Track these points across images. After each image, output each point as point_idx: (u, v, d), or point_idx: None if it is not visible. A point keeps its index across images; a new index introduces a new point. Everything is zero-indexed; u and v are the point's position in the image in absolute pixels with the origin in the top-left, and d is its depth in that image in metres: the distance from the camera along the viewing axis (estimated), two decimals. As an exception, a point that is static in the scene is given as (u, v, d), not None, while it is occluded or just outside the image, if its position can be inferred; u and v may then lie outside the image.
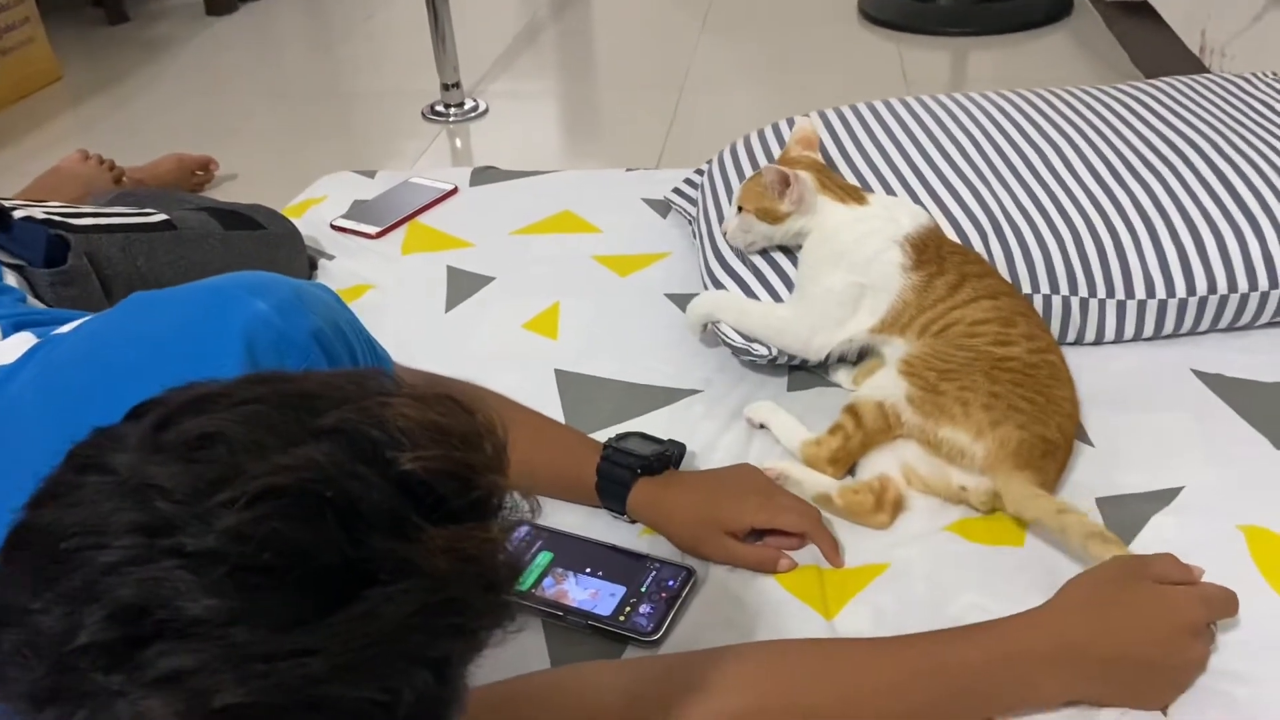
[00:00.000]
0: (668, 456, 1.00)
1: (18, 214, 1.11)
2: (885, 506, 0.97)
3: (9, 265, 1.06)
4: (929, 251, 1.08)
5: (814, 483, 0.99)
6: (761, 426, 1.09)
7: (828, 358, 1.13)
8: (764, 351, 1.13)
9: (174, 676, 0.42)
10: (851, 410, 1.01)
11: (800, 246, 1.15)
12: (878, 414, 1.00)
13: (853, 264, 1.08)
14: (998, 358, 1.00)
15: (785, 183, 1.10)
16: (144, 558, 0.43)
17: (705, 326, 1.18)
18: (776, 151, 1.32)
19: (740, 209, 1.15)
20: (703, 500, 0.96)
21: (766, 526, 0.95)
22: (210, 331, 0.66)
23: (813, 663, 0.78)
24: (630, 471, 0.97)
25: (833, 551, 0.94)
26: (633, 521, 0.99)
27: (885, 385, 1.02)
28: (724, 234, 1.20)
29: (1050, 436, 0.97)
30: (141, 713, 0.42)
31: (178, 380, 0.53)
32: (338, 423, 0.47)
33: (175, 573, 0.43)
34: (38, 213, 1.15)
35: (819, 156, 1.19)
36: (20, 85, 2.44)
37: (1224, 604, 0.83)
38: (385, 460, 0.47)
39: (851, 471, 1.03)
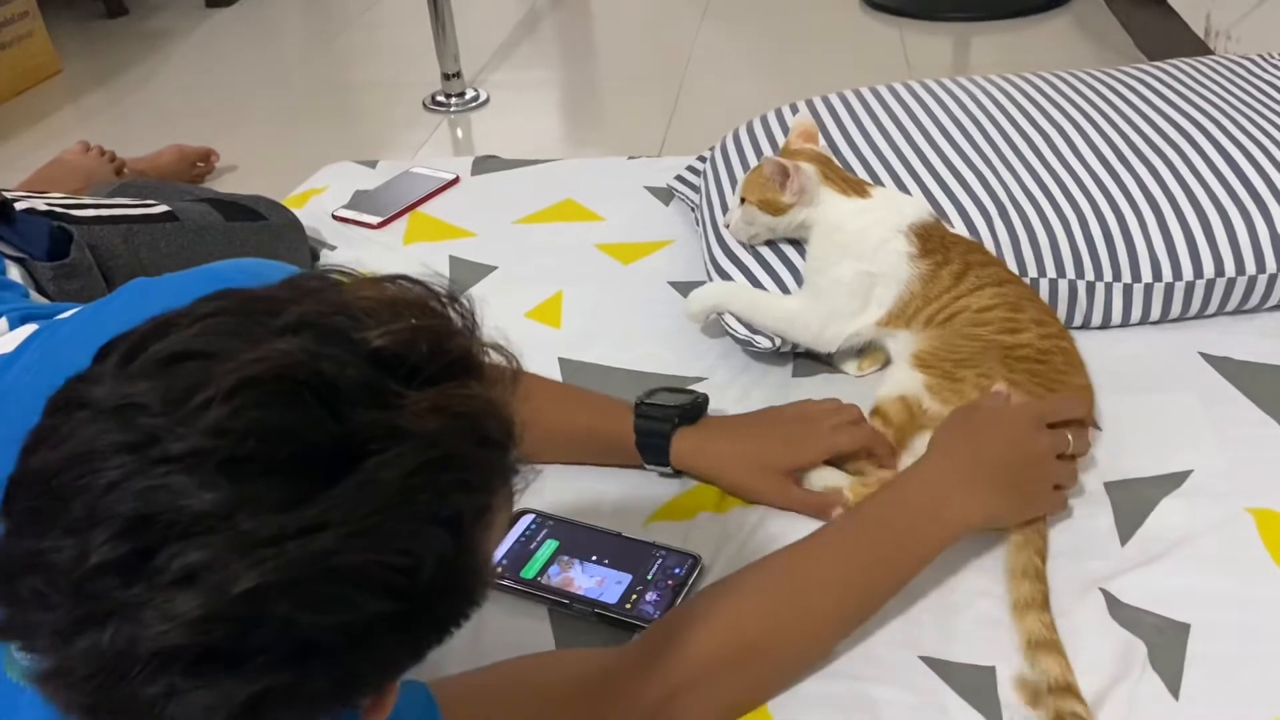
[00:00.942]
0: (699, 404, 1.01)
1: (20, 206, 1.11)
2: (889, 463, 0.98)
3: (11, 258, 1.06)
4: (934, 241, 1.07)
5: (821, 477, 0.99)
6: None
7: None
8: (766, 344, 1.13)
9: (190, 574, 0.43)
10: (877, 412, 1.01)
11: (803, 240, 1.14)
12: (901, 408, 0.99)
13: (860, 253, 1.08)
14: (1008, 345, 1.00)
15: (785, 174, 1.09)
16: (137, 471, 0.44)
17: (708, 316, 1.18)
18: (779, 138, 1.31)
19: (743, 201, 1.15)
20: (754, 447, 0.97)
21: (828, 457, 0.97)
22: None
23: (772, 595, 0.81)
24: (668, 423, 0.98)
25: (890, 456, 0.97)
26: (678, 474, 1.00)
27: (902, 380, 1.01)
28: (726, 226, 1.19)
29: None
30: (165, 615, 0.43)
31: None
32: (300, 316, 0.48)
33: (169, 478, 0.44)
34: (40, 204, 1.14)
35: (821, 148, 1.18)
36: (20, 79, 2.44)
37: (1059, 405, 0.94)
38: (353, 341, 0.48)
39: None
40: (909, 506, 0.85)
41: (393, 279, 0.53)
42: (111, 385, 0.47)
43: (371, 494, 0.45)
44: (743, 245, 1.20)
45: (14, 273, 1.05)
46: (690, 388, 1.03)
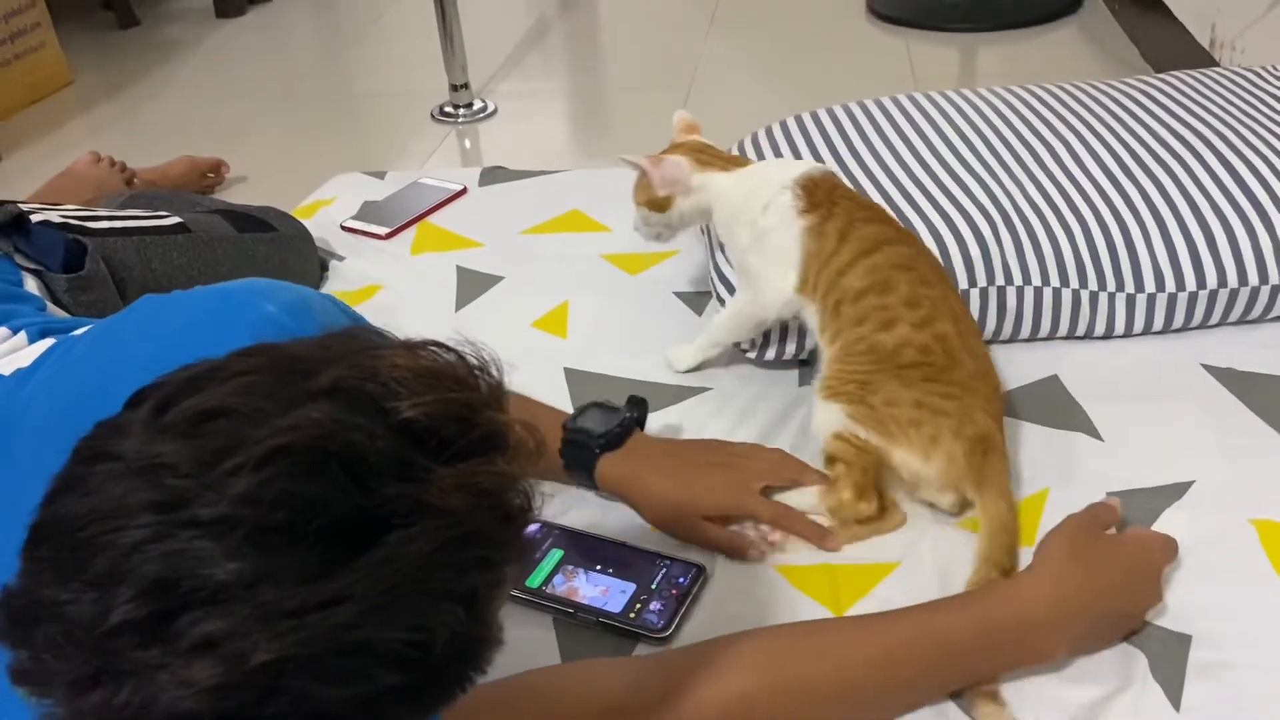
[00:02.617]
0: (626, 427, 1.00)
1: (35, 218, 1.12)
2: (866, 495, 0.96)
3: (28, 270, 1.07)
4: (819, 194, 1.07)
5: (798, 498, 0.99)
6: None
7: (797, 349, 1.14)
8: (771, 355, 1.14)
9: (209, 642, 0.43)
10: (830, 460, 0.99)
11: (716, 231, 1.15)
12: (845, 446, 0.97)
13: (752, 217, 1.08)
14: (891, 350, 0.98)
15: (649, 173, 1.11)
16: (163, 533, 0.44)
17: (700, 364, 1.20)
18: (785, 149, 1.32)
19: (637, 204, 1.16)
20: (675, 484, 0.96)
21: (736, 514, 0.96)
22: (219, 332, 0.67)
23: (813, 640, 0.80)
24: (590, 452, 0.98)
25: (823, 538, 0.94)
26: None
27: (825, 419, 1.00)
28: (635, 229, 1.20)
29: (982, 430, 0.95)
30: (183, 680, 0.43)
31: None
32: (332, 381, 0.48)
33: (195, 543, 0.44)
34: (55, 216, 1.16)
35: (701, 138, 1.17)
36: (32, 89, 2.46)
37: (1173, 548, 0.89)
38: (384, 410, 0.48)
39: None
40: (992, 625, 0.80)
41: (426, 344, 0.53)
42: (141, 439, 0.47)
43: (393, 570, 0.45)
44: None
45: (30, 284, 1.07)
46: (631, 395, 1.04)
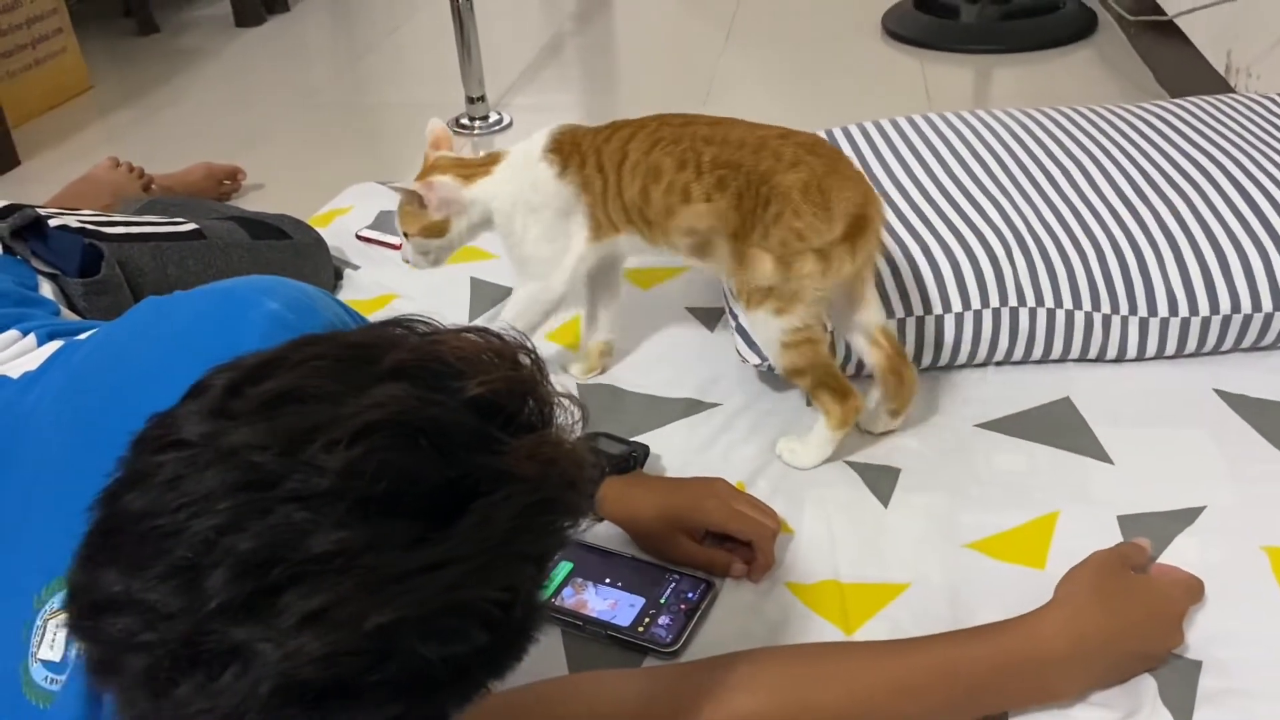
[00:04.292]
0: (634, 457, 1.04)
1: (53, 223, 1.13)
2: (847, 390, 1.04)
3: (44, 274, 1.08)
4: (566, 148, 1.10)
5: (810, 440, 1.05)
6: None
7: None
8: (756, 361, 1.14)
9: (319, 613, 0.45)
10: (793, 371, 1.04)
11: (497, 233, 1.16)
12: (796, 350, 1.02)
13: (527, 203, 1.10)
14: (712, 213, 1.01)
15: (420, 200, 1.11)
16: (256, 511, 0.46)
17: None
18: (799, 167, 1.33)
19: (407, 235, 1.16)
20: (664, 502, 0.97)
21: (719, 530, 0.96)
22: (224, 331, 0.68)
23: (826, 664, 0.79)
24: (600, 471, 0.98)
25: (760, 570, 0.94)
26: (599, 519, 0.99)
27: (764, 334, 1.04)
28: (405, 261, 1.19)
29: (847, 209, 0.99)
30: (291, 653, 0.45)
31: (194, 379, 0.55)
32: (398, 364, 0.51)
33: (296, 516, 0.45)
34: (72, 221, 1.17)
35: (453, 151, 1.18)
36: (52, 94, 2.47)
37: (1198, 590, 0.88)
38: (452, 389, 0.50)
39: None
40: (1008, 660, 0.79)
41: (472, 329, 0.55)
42: (213, 426, 0.48)
43: (485, 534, 0.48)
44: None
45: (46, 289, 1.07)
46: (636, 440, 1.07)
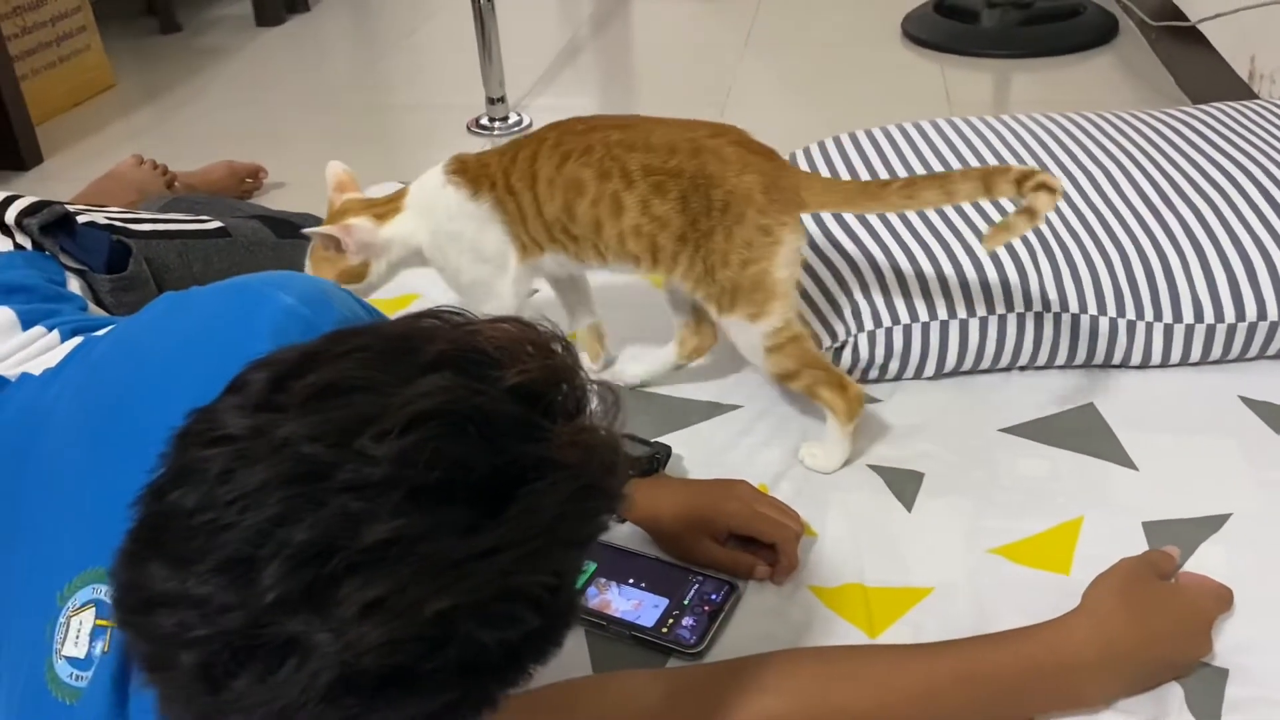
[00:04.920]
0: (657, 459, 1.03)
1: (81, 219, 1.14)
2: (839, 379, 1.04)
3: (72, 270, 1.09)
4: (470, 170, 1.09)
5: (824, 443, 1.06)
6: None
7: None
8: None
9: (378, 602, 0.45)
10: (784, 376, 1.05)
11: (434, 267, 1.14)
12: (782, 354, 1.03)
13: (451, 232, 1.09)
14: (651, 220, 1.01)
15: (337, 244, 1.09)
16: (311, 502, 0.46)
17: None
18: (822, 169, 1.33)
19: None
20: (687, 503, 0.97)
21: (743, 533, 0.95)
22: (239, 325, 0.68)
23: (852, 667, 0.79)
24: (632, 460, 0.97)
25: (784, 572, 0.94)
26: (623, 520, 0.99)
27: (745, 339, 1.04)
28: None
29: (778, 184, 1.00)
30: (352, 642, 0.45)
31: (212, 374, 0.56)
32: (439, 355, 0.51)
33: (352, 506, 0.45)
34: (100, 218, 1.17)
35: (359, 193, 1.16)
36: (75, 92, 2.49)
37: (1227, 599, 0.87)
38: (493, 378, 0.51)
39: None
40: (1035, 666, 0.79)
41: (505, 319, 0.56)
42: (259, 418, 0.49)
43: (534, 520, 0.48)
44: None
45: (74, 285, 1.08)
46: (658, 440, 1.07)
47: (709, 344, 1.16)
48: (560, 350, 0.55)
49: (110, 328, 0.77)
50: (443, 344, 0.52)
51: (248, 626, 0.45)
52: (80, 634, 0.63)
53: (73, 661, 0.63)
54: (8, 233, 1.09)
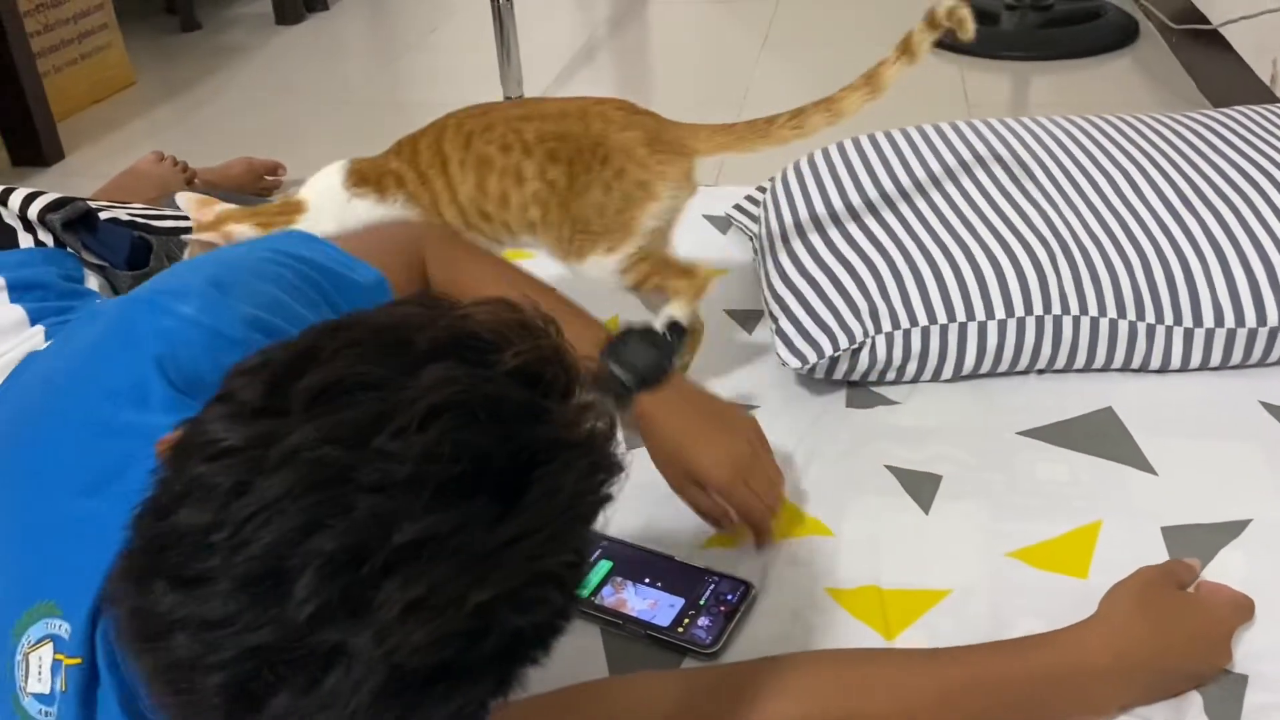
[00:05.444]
0: (663, 368, 0.96)
1: (103, 215, 1.15)
2: (678, 269, 1.09)
3: (93, 266, 1.10)
4: (369, 175, 1.10)
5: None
6: None
7: None
8: (796, 364, 1.13)
9: (420, 600, 0.45)
10: (636, 284, 1.09)
11: None
12: (634, 270, 1.07)
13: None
14: (549, 185, 1.04)
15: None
16: (336, 507, 0.45)
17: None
18: (840, 170, 1.32)
19: None
20: (686, 443, 0.94)
21: (725, 499, 0.95)
22: (122, 351, 0.68)
23: (868, 672, 0.79)
24: (628, 391, 0.94)
25: (759, 542, 0.96)
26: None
27: (599, 271, 1.08)
28: None
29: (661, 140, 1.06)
30: (396, 645, 0.44)
31: (93, 400, 0.60)
32: (434, 343, 0.50)
33: (380, 506, 0.45)
34: (122, 214, 1.18)
35: (218, 205, 1.12)
36: (96, 89, 2.51)
37: (1248, 609, 0.86)
38: (493, 363, 0.51)
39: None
40: (1052, 674, 0.78)
41: (486, 302, 0.55)
42: (261, 425, 0.47)
43: (553, 503, 0.49)
44: (799, 272, 1.20)
45: (92, 281, 1.09)
46: (673, 325, 1.04)
47: (699, 327, 1.17)
48: (546, 327, 0.55)
49: (50, 342, 0.77)
50: (436, 331, 0.51)
51: (284, 641, 0.44)
52: (42, 670, 0.62)
53: (40, 698, 0.63)
54: (30, 229, 1.10)
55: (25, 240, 1.13)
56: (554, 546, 0.49)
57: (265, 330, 0.70)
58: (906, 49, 1.10)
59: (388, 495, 0.45)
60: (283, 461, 0.46)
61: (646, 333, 0.98)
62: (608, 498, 0.53)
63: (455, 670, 0.46)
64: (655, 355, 0.96)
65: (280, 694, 0.45)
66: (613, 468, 0.53)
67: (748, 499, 0.94)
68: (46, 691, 0.63)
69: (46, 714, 0.63)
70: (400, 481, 0.45)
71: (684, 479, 0.95)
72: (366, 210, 1.10)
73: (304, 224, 1.10)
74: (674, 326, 1.04)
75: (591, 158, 1.04)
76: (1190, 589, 0.88)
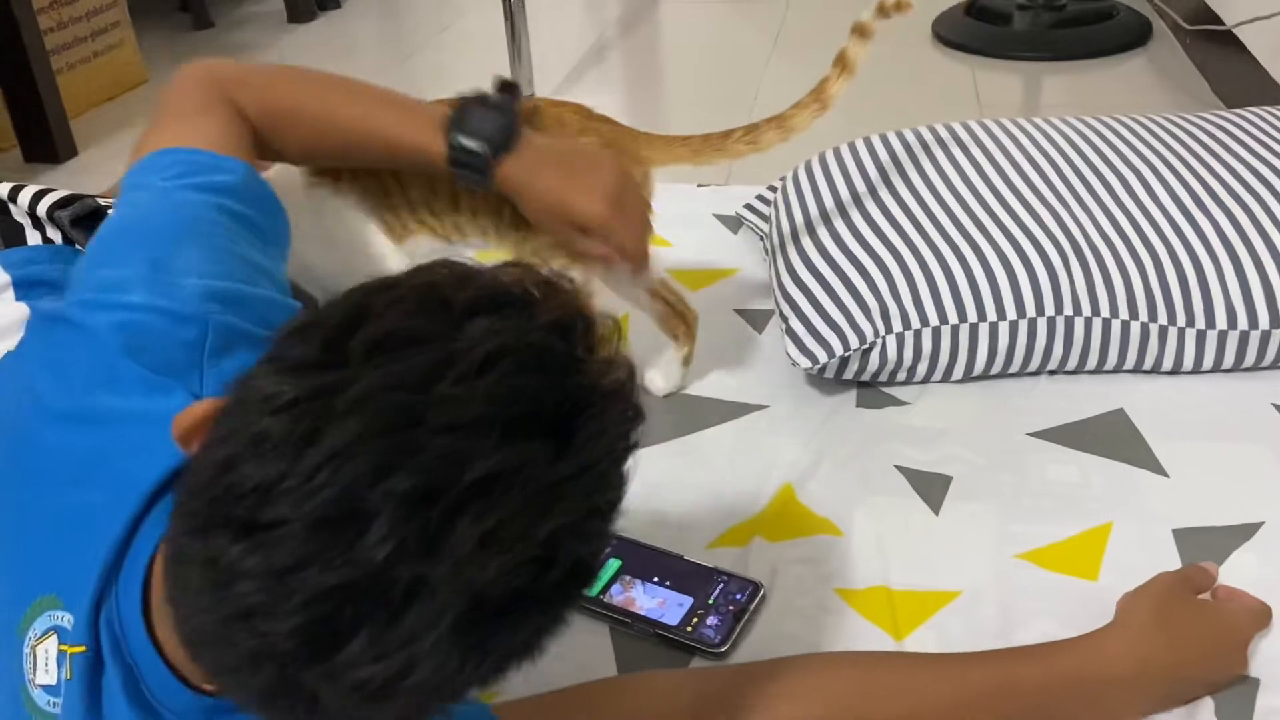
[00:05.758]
0: (511, 128, 0.95)
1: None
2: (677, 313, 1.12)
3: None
4: (327, 168, 1.06)
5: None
6: None
7: None
8: (806, 364, 1.13)
9: (493, 532, 0.48)
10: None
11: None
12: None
13: (311, 234, 1.03)
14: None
15: None
16: (408, 449, 0.47)
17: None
18: (852, 170, 1.32)
19: None
20: (559, 194, 0.96)
21: (606, 236, 0.97)
22: (86, 360, 0.69)
23: (880, 676, 0.79)
24: (485, 162, 0.93)
25: (636, 269, 1.01)
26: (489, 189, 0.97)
27: None
28: None
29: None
30: (472, 576, 0.47)
31: (76, 401, 0.62)
32: (472, 301, 0.53)
33: (453, 446, 0.48)
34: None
35: None
36: (109, 86, 2.52)
37: (1266, 616, 0.85)
38: (529, 317, 0.53)
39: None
40: (1069, 682, 0.78)
41: (509, 264, 0.57)
42: (324, 377, 0.49)
43: (600, 445, 0.52)
44: (810, 271, 1.20)
45: None
46: (506, 82, 1.00)
47: (692, 316, 1.16)
48: (569, 285, 0.57)
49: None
50: (471, 290, 0.53)
51: (363, 579, 0.46)
52: (49, 662, 0.63)
53: (47, 689, 0.64)
54: (38, 226, 1.10)
55: (33, 237, 1.14)
56: (603, 484, 0.52)
57: (219, 298, 0.72)
58: (843, 64, 1.15)
59: (458, 436, 0.48)
60: (352, 408, 0.48)
61: (482, 100, 0.97)
62: (637, 443, 0.56)
63: (526, 598, 0.50)
64: (499, 118, 0.95)
65: (361, 631, 0.47)
66: (639, 415, 0.56)
67: (625, 232, 0.98)
68: (53, 682, 0.63)
69: (54, 704, 0.63)
70: (469, 423, 0.48)
71: (567, 229, 0.97)
72: (321, 199, 1.07)
73: None
74: (504, 85, 1.00)
75: None
76: (1207, 595, 0.87)
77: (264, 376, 0.51)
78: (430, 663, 0.48)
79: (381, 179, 1.06)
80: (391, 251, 1.08)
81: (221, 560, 0.48)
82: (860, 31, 1.14)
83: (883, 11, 1.12)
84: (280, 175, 1.09)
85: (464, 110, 0.95)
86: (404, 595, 0.47)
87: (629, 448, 0.55)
